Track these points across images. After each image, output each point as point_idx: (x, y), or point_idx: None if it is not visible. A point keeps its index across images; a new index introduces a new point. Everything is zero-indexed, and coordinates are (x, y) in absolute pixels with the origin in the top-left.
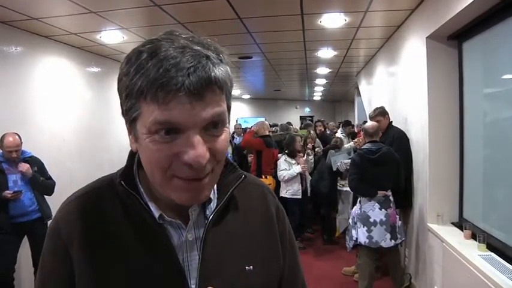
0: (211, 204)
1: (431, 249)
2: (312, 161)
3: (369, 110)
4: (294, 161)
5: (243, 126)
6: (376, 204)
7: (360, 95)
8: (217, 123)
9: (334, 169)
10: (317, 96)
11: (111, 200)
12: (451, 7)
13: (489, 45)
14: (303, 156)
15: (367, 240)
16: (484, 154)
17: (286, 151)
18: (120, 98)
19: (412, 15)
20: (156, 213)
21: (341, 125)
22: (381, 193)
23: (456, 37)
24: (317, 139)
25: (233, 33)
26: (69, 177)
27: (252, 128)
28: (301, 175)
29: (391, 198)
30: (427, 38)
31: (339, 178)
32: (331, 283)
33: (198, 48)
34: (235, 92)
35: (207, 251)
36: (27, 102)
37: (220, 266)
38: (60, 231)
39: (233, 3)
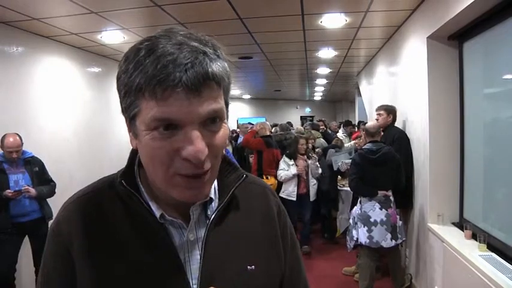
0: (213, 204)
1: (431, 249)
2: (317, 165)
3: (369, 110)
4: (292, 162)
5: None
6: (377, 204)
7: (361, 95)
8: (215, 119)
9: (335, 169)
10: (317, 97)
11: (112, 200)
12: (452, 7)
13: (490, 45)
14: (305, 159)
15: (367, 240)
16: (484, 154)
17: (287, 151)
18: (120, 96)
19: (413, 16)
20: (157, 213)
21: (342, 125)
22: (381, 193)
23: (457, 37)
24: (321, 138)
25: (234, 33)
26: (69, 177)
27: (254, 128)
28: (300, 177)
29: (392, 198)
30: (427, 38)
31: (339, 177)
32: (332, 283)
33: (196, 44)
34: (236, 92)
35: (209, 251)
36: (27, 103)
37: (222, 266)
38: (61, 232)
39: (234, 4)
